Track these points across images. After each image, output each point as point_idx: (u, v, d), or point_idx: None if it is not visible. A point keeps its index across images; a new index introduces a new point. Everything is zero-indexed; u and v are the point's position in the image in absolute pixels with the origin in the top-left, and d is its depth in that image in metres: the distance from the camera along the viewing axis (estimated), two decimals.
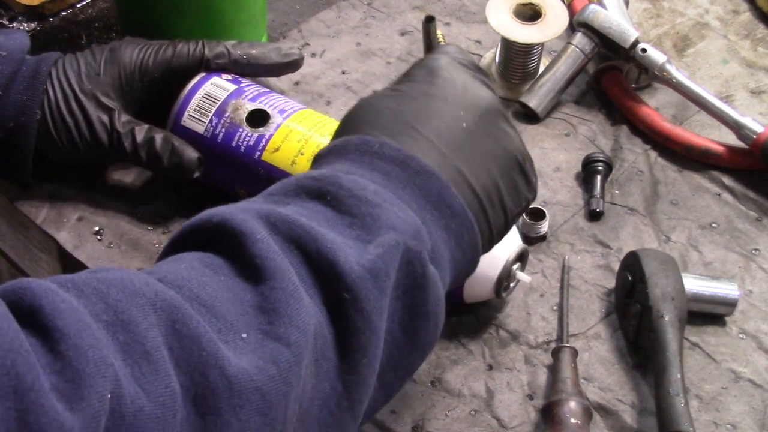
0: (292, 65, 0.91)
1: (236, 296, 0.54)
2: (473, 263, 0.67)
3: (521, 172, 0.69)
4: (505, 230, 0.70)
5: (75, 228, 0.88)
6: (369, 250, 0.58)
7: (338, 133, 0.70)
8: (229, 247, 0.56)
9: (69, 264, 0.88)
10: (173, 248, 0.59)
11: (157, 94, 0.88)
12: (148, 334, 0.49)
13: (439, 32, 1.05)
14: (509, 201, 0.68)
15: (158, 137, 0.84)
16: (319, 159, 0.67)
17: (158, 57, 0.87)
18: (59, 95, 0.84)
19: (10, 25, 1.04)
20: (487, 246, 0.68)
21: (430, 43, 0.79)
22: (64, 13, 1.06)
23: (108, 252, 0.86)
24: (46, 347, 0.45)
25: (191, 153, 0.84)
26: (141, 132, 0.84)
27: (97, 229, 0.88)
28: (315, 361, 0.56)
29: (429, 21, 0.80)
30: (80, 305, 0.48)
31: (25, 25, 1.05)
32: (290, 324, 0.54)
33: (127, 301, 0.50)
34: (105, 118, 0.84)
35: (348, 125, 0.69)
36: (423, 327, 0.62)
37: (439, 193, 0.63)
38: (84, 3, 1.07)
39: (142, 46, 0.87)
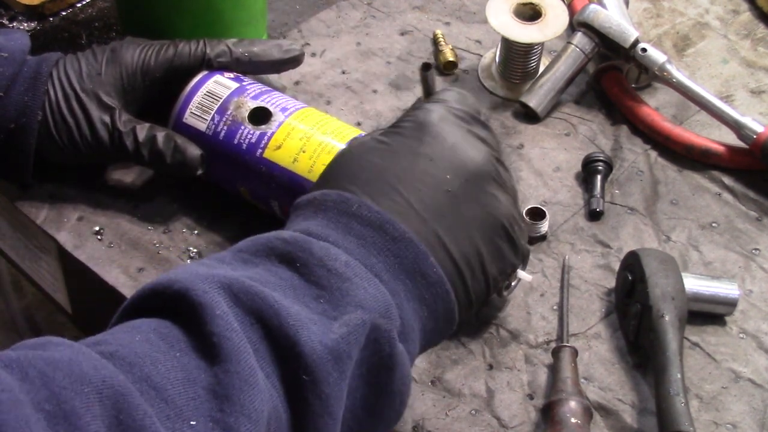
0: (294, 61, 0.91)
1: (189, 376, 0.52)
2: (447, 332, 0.66)
3: (507, 238, 0.67)
4: (486, 296, 0.68)
5: (75, 228, 0.87)
6: (333, 329, 0.56)
7: (320, 182, 0.68)
8: (188, 318, 0.54)
9: (69, 264, 0.88)
10: (132, 309, 0.57)
11: (159, 94, 0.88)
12: (89, 428, 0.47)
13: (439, 32, 1.05)
14: (492, 268, 0.67)
15: (160, 135, 0.84)
16: (297, 209, 0.65)
17: (160, 57, 0.87)
18: (60, 95, 0.84)
19: (10, 25, 1.04)
20: (465, 313, 0.67)
21: (429, 91, 0.73)
22: (64, 13, 1.06)
23: (108, 252, 0.86)
24: None
25: (194, 150, 0.83)
26: (143, 130, 0.84)
27: (97, 228, 0.88)
28: None
29: (426, 69, 0.74)
30: (22, 392, 0.46)
31: (25, 24, 1.05)
32: (242, 413, 0.52)
33: (72, 388, 0.47)
34: (106, 118, 0.84)
35: (330, 175, 0.67)
36: (387, 405, 0.60)
37: (415, 262, 0.61)
38: (84, 3, 1.07)
39: (143, 47, 0.87)
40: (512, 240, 0.68)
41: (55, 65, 0.85)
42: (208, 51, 0.87)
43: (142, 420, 0.48)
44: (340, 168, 0.67)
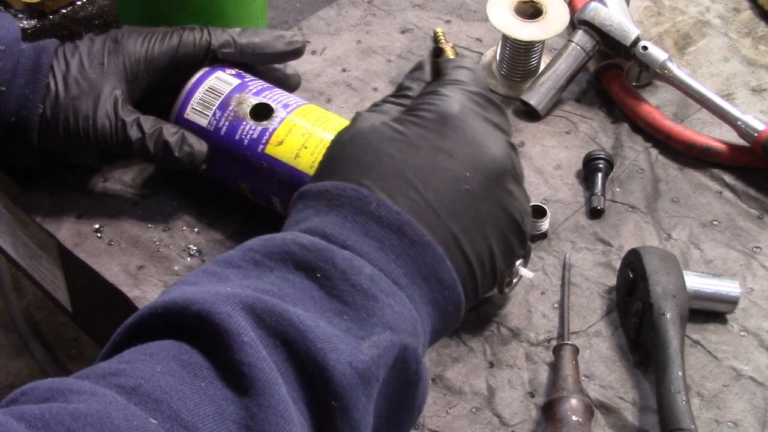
0: (295, 53, 0.90)
1: (218, 410, 0.49)
2: (451, 329, 0.65)
3: (518, 233, 0.67)
4: (492, 288, 0.68)
5: (75, 226, 0.87)
6: (363, 350, 0.54)
7: (329, 166, 0.65)
8: (211, 344, 0.51)
9: (69, 262, 0.88)
10: (141, 328, 0.54)
11: (161, 84, 0.86)
12: None
13: (440, 30, 1.05)
14: (501, 263, 0.66)
15: (166, 127, 0.83)
16: (307, 199, 0.63)
17: (164, 46, 0.85)
18: (61, 87, 0.82)
19: None
20: (468, 306, 0.66)
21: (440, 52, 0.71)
22: (64, 11, 1.06)
23: (108, 250, 0.86)
24: None
25: (201, 143, 0.83)
26: (147, 122, 0.83)
27: (97, 226, 0.87)
28: None
29: (437, 55, 0.72)
30: None
31: (25, 22, 1.04)
32: None
33: None
34: (109, 110, 0.82)
35: (341, 162, 0.65)
36: (407, 419, 0.59)
37: (431, 266, 0.60)
38: (84, 0, 1.07)
39: (146, 35, 0.85)
40: (522, 234, 0.67)
41: (54, 56, 0.83)
42: (212, 41, 0.86)
43: None
44: (353, 156, 0.64)
